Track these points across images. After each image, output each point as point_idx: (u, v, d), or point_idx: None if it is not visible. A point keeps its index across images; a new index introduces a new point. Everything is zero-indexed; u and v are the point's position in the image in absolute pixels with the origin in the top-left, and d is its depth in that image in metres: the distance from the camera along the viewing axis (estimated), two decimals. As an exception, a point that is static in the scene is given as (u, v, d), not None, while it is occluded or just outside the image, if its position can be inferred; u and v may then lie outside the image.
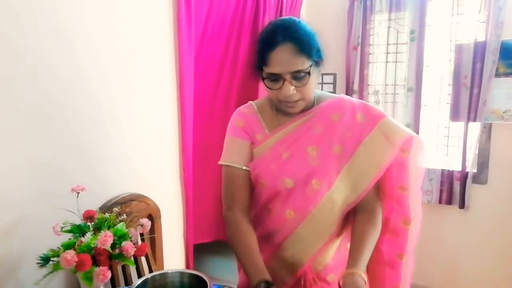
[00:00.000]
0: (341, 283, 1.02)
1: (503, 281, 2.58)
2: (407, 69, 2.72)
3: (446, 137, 2.70)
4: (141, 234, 1.42)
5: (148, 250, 1.63)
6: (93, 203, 1.46)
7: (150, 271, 1.67)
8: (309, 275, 1.19)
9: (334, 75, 3.05)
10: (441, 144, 2.72)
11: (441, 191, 2.71)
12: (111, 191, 1.63)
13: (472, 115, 2.53)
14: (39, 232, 1.25)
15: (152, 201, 1.75)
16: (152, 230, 1.66)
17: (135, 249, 1.21)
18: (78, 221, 1.24)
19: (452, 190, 2.68)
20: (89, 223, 1.23)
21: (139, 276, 1.60)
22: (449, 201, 2.69)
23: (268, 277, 1.03)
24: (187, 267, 2.13)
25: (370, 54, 2.87)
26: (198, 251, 2.32)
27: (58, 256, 1.14)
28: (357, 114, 1.16)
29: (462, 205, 2.64)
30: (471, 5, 2.47)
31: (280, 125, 1.18)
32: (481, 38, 2.45)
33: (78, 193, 1.25)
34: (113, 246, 1.17)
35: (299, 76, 1.05)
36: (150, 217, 1.68)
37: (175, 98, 1.98)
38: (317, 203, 1.14)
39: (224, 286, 1.26)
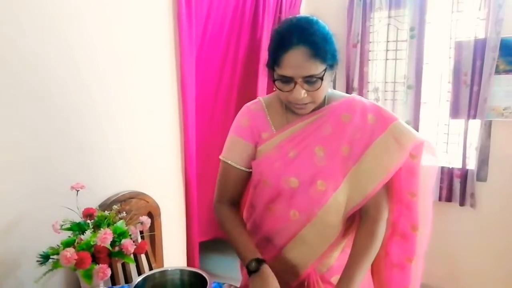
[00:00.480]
0: None
1: (504, 278, 2.58)
2: (407, 67, 2.72)
3: (446, 134, 2.69)
4: (141, 232, 1.42)
5: (148, 248, 1.63)
6: (93, 201, 1.46)
7: (150, 268, 1.67)
8: (313, 277, 1.17)
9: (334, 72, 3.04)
10: (441, 142, 2.71)
11: (441, 189, 2.70)
12: (110, 189, 1.63)
13: (472, 112, 2.52)
14: (39, 230, 1.26)
15: (152, 199, 1.75)
16: (152, 228, 1.67)
17: (134, 246, 1.21)
18: (78, 219, 1.24)
19: (452, 187, 2.67)
20: (88, 221, 1.23)
21: (139, 273, 1.60)
22: (449, 199, 2.69)
23: (258, 255, 1.05)
24: (192, 265, 2.12)
25: (370, 51, 2.86)
26: (201, 249, 2.32)
27: (57, 254, 1.14)
28: (368, 116, 1.13)
29: (462, 202, 2.64)
30: (471, 2, 2.46)
31: (289, 123, 1.15)
32: (481, 35, 2.45)
33: (77, 191, 1.25)
34: (112, 243, 1.18)
35: (311, 81, 1.01)
36: (149, 214, 1.68)
37: (176, 96, 1.99)
38: (323, 204, 1.10)
39: (224, 283, 1.26)
